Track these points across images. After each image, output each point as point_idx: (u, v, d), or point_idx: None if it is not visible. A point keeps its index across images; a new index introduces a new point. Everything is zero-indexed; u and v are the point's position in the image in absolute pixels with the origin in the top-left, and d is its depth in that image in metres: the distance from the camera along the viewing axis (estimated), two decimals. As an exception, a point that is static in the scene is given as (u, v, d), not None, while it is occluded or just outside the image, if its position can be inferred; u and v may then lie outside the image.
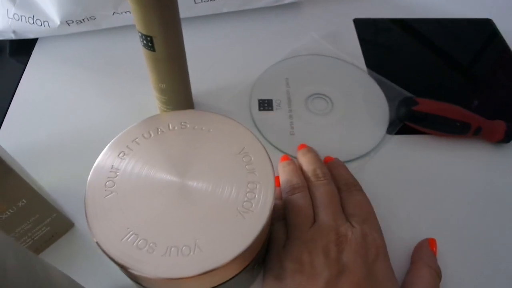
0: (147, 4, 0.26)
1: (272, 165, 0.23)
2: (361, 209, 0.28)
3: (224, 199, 0.21)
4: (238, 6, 0.44)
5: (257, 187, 0.22)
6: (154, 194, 0.21)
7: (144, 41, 0.28)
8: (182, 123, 0.24)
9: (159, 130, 0.24)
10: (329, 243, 0.25)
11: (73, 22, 0.39)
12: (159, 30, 0.27)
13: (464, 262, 0.29)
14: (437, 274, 0.26)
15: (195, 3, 0.41)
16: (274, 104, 0.38)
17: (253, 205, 0.21)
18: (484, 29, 0.46)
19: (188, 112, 0.25)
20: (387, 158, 0.35)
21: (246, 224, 0.20)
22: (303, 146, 0.34)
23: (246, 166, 0.22)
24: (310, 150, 0.33)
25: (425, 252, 0.28)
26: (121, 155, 0.23)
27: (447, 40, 0.45)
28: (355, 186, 0.30)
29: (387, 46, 0.44)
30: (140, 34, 0.28)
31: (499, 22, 0.46)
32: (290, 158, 0.33)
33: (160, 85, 0.32)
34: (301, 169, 0.31)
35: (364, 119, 0.37)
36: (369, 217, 0.27)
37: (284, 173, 0.31)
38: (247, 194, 0.21)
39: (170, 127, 0.24)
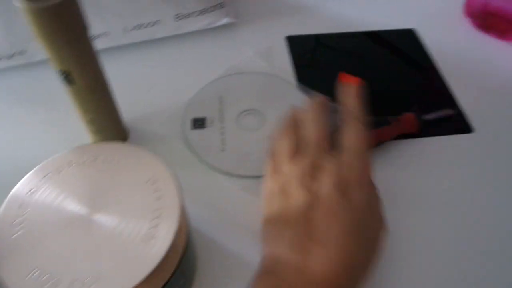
0: (58, 42, 0.27)
1: (180, 189, 0.24)
2: (350, 141, 0.28)
3: (130, 229, 0.22)
4: (171, 31, 0.45)
5: (163, 213, 0.23)
6: (62, 229, 0.22)
7: (62, 76, 0.29)
8: (93, 157, 0.25)
9: (71, 164, 0.25)
10: (305, 176, 0.26)
11: (1, 58, 0.39)
12: (75, 65, 0.28)
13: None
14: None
15: (126, 31, 0.42)
16: (207, 122, 0.39)
17: (158, 231, 0.22)
18: (408, 39, 0.49)
19: (101, 145, 0.26)
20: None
21: (150, 250, 0.21)
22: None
23: (154, 194, 0.23)
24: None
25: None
26: (32, 191, 0.23)
27: (374, 52, 0.48)
28: (355, 118, 0.29)
29: (317, 61, 0.47)
30: (57, 70, 0.29)
31: (422, 32, 0.49)
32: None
33: (86, 116, 0.33)
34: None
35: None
36: (356, 148, 0.27)
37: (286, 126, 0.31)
38: (153, 221, 0.22)
39: (81, 161, 0.25)
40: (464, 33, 0.50)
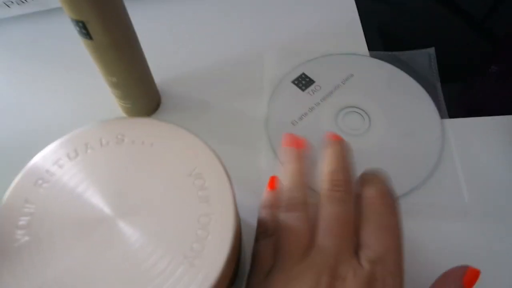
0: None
1: (233, 189, 0.18)
2: (381, 239, 0.20)
3: (167, 242, 0.16)
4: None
5: (211, 221, 0.17)
6: (78, 237, 0.16)
7: (77, 28, 0.23)
8: (118, 136, 0.19)
9: (89, 147, 0.19)
10: (319, 285, 0.19)
11: (13, 2, 0.33)
12: (92, 13, 0.22)
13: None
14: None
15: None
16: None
17: (205, 248, 0.16)
18: None
19: (127, 121, 0.20)
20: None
21: (195, 273, 0.15)
22: (333, 136, 0.24)
23: (198, 193, 0.17)
24: (340, 143, 0.24)
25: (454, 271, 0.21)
26: (39, 183, 0.18)
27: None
28: (387, 202, 0.22)
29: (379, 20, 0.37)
30: (71, 20, 0.22)
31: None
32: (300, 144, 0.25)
33: (109, 78, 0.27)
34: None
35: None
36: (389, 253, 0.20)
37: (288, 172, 0.23)
38: (198, 232, 0.16)
39: (103, 143, 0.19)
40: None
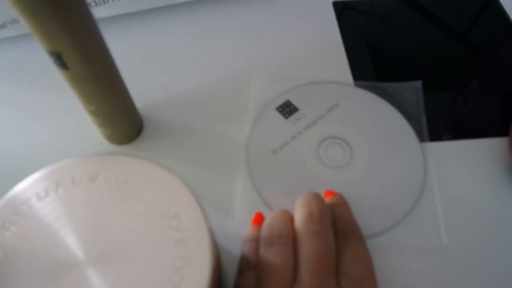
0: (41, 13, 0.19)
1: (209, 229, 0.17)
2: (356, 266, 0.22)
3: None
4: (194, -5, 0.37)
5: (186, 265, 0.16)
6: (45, 285, 0.15)
7: (52, 58, 0.22)
8: (91, 174, 0.18)
9: (60, 185, 0.18)
10: None
11: (-9, 27, 0.32)
12: (67, 44, 0.21)
13: None
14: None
15: (138, -5, 0.34)
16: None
17: (179, 295, 0.15)
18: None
19: (101, 157, 0.19)
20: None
21: (168, 323, 0.15)
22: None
23: (173, 234, 0.17)
24: (316, 193, 0.25)
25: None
26: (6, 226, 0.17)
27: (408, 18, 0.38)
28: (354, 233, 0.24)
29: (343, 29, 0.38)
30: (45, 51, 0.22)
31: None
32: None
33: (88, 107, 0.26)
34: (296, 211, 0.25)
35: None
36: (364, 278, 0.22)
37: (271, 216, 0.25)
38: (172, 277, 0.16)
39: (75, 181, 0.18)
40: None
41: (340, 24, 0.38)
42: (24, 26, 0.34)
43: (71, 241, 0.16)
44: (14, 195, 0.18)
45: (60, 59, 0.22)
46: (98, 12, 0.34)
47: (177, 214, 0.17)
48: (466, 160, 0.30)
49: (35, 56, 0.35)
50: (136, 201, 0.17)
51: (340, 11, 0.39)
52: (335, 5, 0.40)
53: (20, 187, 0.18)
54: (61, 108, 0.32)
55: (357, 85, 0.34)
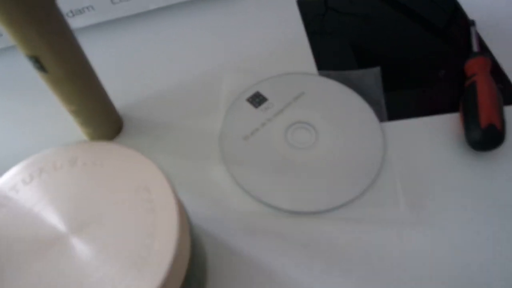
0: (18, 21, 0.22)
1: (177, 199, 0.19)
2: None
3: (116, 253, 0.18)
4: (166, 0, 0.39)
5: (156, 229, 0.18)
6: (33, 256, 0.18)
7: (31, 62, 0.24)
8: (71, 160, 0.21)
9: (43, 171, 0.20)
10: None
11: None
12: (44, 48, 0.23)
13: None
14: None
15: (112, 3, 0.37)
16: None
17: (151, 254, 0.18)
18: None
19: (79, 145, 0.21)
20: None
21: (142, 278, 0.17)
22: None
23: (144, 205, 0.19)
24: None
25: None
26: (-3, 207, 0.19)
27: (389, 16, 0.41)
28: None
29: (326, 29, 0.40)
30: (24, 56, 0.24)
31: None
32: None
33: (69, 107, 0.28)
34: None
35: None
36: None
37: None
38: (145, 241, 0.18)
39: (57, 166, 0.20)
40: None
41: (304, 19, 0.41)
42: (4, 40, 0.36)
43: (54, 218, 0.19)
44: (2, 182, 0.20)
45: (38, 63, 0.24)
46: (76, 22, 0.37)
47: (147, 187, 0.19)
48: (422, 135, 0.32)
49: (18, 66, 0.38)
50: (111, 179, 0.20)
51: (304, 7, 0.42)
52: (299, 2, 0.42)
53: (8, 175, 0.20)
54: (46, 112, 0.34)
55: (321, 74, 0.36)
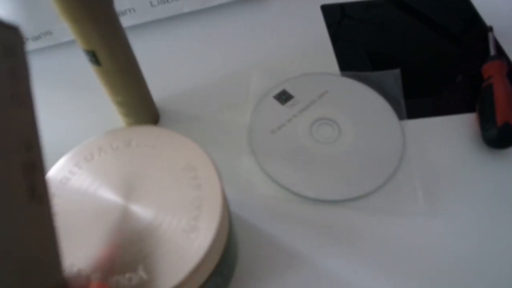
0: (82, 19, 0.25)
1: (220, 177, 0.22)
2: None
3: (168, 221, 0.20)
4: (200, 4, 0.42)
5: (203, 202, 0.21)
6: (96, 221, 0.20)
7: (88, 56, 0.27)
8: (126, 141, 0.23)
9: (102, 150, 0.23)
10: None
11: (28, 39, 0.38)
12: (101, 44, 0.26)
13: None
14: None
15: (152, 6, 0.40)
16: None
17: (199, 224, 0.20)
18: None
19: (132, 129, 0.24)
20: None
21: (192, 243, 0.19)
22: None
23: (191, 182, 0.21)
24: None
25: None
26: (63, 181, 0.22)
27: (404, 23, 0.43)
28: None
29: (341, 35, 0.43)
30: (83, 50, 0.27)
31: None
32: None
33: (115, 98, 0.31)
34: None
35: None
36: None
37: None
38: (193, 212, 0.20)
39: (113, 147, 0.23)
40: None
41: (327, 23, 0.43)
42: (54, 37, 0.39)
43: (113, 190, 0.21)
44: (67, 158, 0.23)
45: (95, 57, 0.27)
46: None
47: (194, 167, 0.22)
48: (439, 133, 0.34)
49: (66, 64, 0.41)
50: (162, 159, 0.22)
51: (328, 12, 0.44)
52: (322, 7, 0.45)
53: (72, 153, 0.23)
54: (92, 105, 0.38)
55: (343, 75, 0.39)
